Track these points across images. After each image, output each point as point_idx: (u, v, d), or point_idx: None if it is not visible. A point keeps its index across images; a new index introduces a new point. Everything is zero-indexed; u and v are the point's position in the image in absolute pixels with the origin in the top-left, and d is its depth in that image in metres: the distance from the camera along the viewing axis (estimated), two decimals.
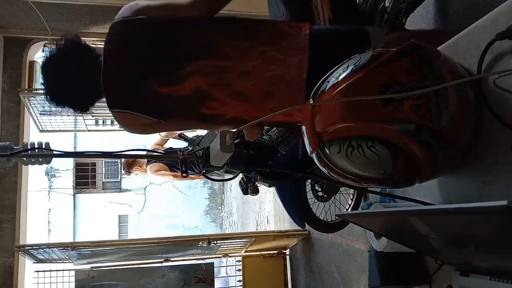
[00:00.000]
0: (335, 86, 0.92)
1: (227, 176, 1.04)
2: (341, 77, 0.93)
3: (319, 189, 2.84)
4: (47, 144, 1.01)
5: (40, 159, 0.99)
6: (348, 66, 0.93)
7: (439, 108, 0.80)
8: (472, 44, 0.94)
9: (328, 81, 0.98)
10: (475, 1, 2.08)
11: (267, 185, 2.34)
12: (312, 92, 1.02)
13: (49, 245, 4.38)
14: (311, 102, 0.99)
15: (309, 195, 2.86)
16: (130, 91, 1.33)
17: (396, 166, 0.87)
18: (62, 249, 4.39)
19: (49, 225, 13.13)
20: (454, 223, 0.78)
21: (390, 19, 1.87)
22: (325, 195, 2.87)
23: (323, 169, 1.06)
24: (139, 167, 4.36)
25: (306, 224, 3.10)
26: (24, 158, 1.02)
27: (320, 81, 1.02)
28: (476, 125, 0.89)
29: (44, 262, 4.76)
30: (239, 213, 10.11)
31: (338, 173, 1.01)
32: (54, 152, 1.02)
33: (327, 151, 0.96)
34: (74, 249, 4.38)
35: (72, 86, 1.42)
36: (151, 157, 1.00)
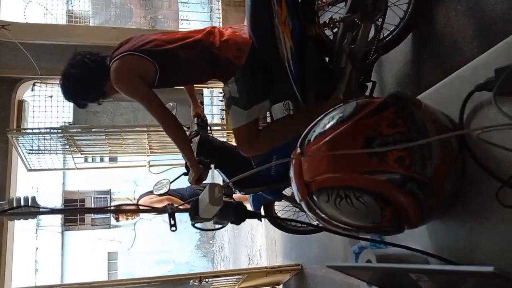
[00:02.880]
0: (321, 137, 0.93)
1: (217, 226, 1.04)
2: (327, 127, 0.95)
3: None
4: (33, 199, 1.00)
5: (26, 216, 0.98)
6: (333, 117, 0.95)
7: (424, 159, 0.82)
8: (453, 92, 0.96)
9: (314, 131, 1.00)
10: (453, 42, 2.12)
11: (243, 193, 2.39)
12: (299, 141, 1.04)
13: None
14: (298, 151, 1.00)
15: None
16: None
17: (384, 215, 0.88)
18: None
19: (36, 265, 12.77)
20: (446, 276, 0.78)
21: (355, 58, 1.90)
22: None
23: (313, 217, 1.06)
24: (128, 215, 4.34)
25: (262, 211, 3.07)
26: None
27: (306, 130, 1.04)
28: (461, 174, 0.91)
29: None
30: (230, 247, 9.95)
31: (327, 221, 1.01)
32: (41, 209, 1.01)
33: (316, 199, 0.97)
34: None
35: (84, 85, 1.92)
36: (139, 211, 1.00)
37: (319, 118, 1.04)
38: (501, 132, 0.80)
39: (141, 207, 0.96)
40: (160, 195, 2.83)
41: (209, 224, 1.05)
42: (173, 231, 1.01)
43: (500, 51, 0.85)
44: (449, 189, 0.89)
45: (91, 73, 1.92)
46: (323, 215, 1.00)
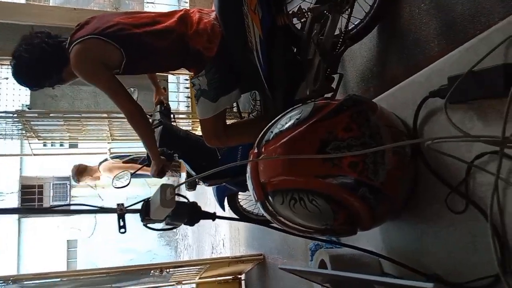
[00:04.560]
0: (278, 138, 0.92)
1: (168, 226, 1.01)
2: (284, 128, 0.93)
3: None
4: None
5: None
6: (290, 118, 0.94)
7: (376, 165, 0.82)
8: (408, 97, 0.97)
9: (272, 131, 0.99)
10: (416, 39, 2.16)
11: (207, 184, 2.38)
12: (257, 141, 1.02)
13: None
14: (255, 152, 0.99)
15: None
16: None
17: (337, 218, 0.88)
18: (2, 283, 4.11)
19: None
20: None
21: (323, 49, 1.89)
22: None
23: (269, 218, 1.06)
24: (90, 176, 4.24)
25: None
26: None
27: (264, 130, 1.02)
28: (413, 180, 0.92)
29: None
30: (194, 236, 9.92)
31: (283, 222, 1.01)
32: None
33: (271, 201, 0.96)
34: (15, 282, 4.11)
35: (40, 71, 1.80)
36: (88, 212, 0.95)
37: (277, 118, 1.03)
38: (452, 142, 0.82)
39: (88, 208, 0.91)
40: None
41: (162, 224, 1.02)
42: (122, 233, 0.97)
43: (454, 59, 0.86)
44: (401, 193, 0.90)
45: (48, 59, 1.79)
46: (279, 217, 0.99)
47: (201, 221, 1.07)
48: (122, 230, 0.97)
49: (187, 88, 5.80)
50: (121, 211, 0.96)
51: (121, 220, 0.97)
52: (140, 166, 4.03)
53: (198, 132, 4.37)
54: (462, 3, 1.74)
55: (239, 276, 5.33)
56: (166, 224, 1.01)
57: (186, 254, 11.09)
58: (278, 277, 4.44)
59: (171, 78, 6.37)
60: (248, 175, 1.01)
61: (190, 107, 5.38)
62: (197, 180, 2.40)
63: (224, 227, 7.03)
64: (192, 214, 1.03)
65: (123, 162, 4.22)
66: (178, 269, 4.65)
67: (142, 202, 1.00)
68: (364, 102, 0.90)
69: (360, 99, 0.90)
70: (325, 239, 1.15)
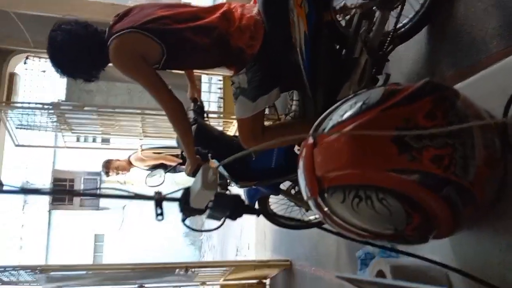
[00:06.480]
0: (340, 126, 0.80)
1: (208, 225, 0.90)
2: (347, 115, 0.81)
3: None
4: None
5: None
6: (355, 103, 0.81)
7: (466, 160, 0.68)
8: (496, 86, 0.83)
9: (331, 119, 0.86)
10: (471, 40, 2.01)
11: (239, 186, 2.29)
12: (312, 129, 0.90)
13: (15, 267, 4.11)
14: (311, 141, 0.86)
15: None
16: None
17: (409, 222, 0.74)
18: (30, 272, 4.14)
19: (21, 241, 12.61)
20: None
21: (371, 48, 1.79)
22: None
23: (321, 217, 0.93)
24: (120, 171, 4.27)
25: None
26: None
27: (321, 117, 0.90)
28: (501, 181, 0.78)
29: (10, 285, 4.48)
30: (219, 237, 9.85)
31: (337, 223, 0.88)
32: (4, 188, 0.88)
33: (327, 198, 0.83)
34: (42, 272, 4.13)
35: (78, 62, 1.75)
36: (123, 197, 0.90)
37: (336, 105, 0.90)
38: None
39: (125, 194, 0.84)
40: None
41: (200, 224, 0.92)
42: (160, 220, 0.88)
43: None
44: (488, 196, 0.76)
45: (87, 49, 1.74)
46: (334, 217, 0.86)
47: (227, 222, 0.95)
48: (160, 217, 0.88)
49: (220, 88, 5.74)
50: (158, 198, 0.86)
51: (158, 207, 0.87)
52: (172, 160, 3.98)
53: (230, 132, 4.30)
54: None
55: (264, 281, 5.23)
56: (208, 217, 0.90)
57: (210, 254, 11.04)
58: (305, 285, 4.29)
59: (204, 78, 6.33)
60: (300, 168, 0.89)
61: (222, 108, 5.32)
62: (228, 181, 2.32)
63: (250, 230, 6.93)
64: (235, 206, 0.92)
65: (154, 153, 4.21)
66: (203, 269, 4.59)
67: (181, 190, 0.90)
68: (446, 88, 0.77)
69: (440, 84, 0.77)
70: (381, 245, 1.01)
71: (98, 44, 1.73)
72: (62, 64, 1.78)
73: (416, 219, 0.73)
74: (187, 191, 0.91)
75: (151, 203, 0.88)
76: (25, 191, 0.97)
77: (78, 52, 1.73)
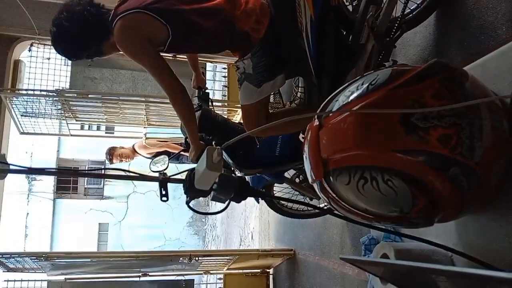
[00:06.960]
0: (347, 107, 0.79)
1: (216, 202, 0.90)
2: (354, 96, 0.80)
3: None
4: (2, 156, 0.85)
5: None
6: (362, 84, 0.80)
7: (473, 140, 0.67)
8: (505, 67, 0.82)
9: (337, 100, 0.85)
10: (480, 26, 1.98)
11: (243, 173, 2.28)
12: (318, 110, 0.89)
13: (20, 254, 4.15)
14: (316, 123, 0.86)
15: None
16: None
17: (415, 204, 0.74)
18: (35, 259, 4.17)
19: (26, 230, 12.69)
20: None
21: (378, 34, 1.77)
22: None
23: (325, 199, 0.93)
24: (123, 159, 4.30)
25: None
26: None
27: (327, 99, 0.89)
28: (508, 164, 0.77)
29: (15, 271, 4.51)
30: (223, 227, 9.88)
31: (342, 205, 0.88)
32: (11, 167, 0.87)
33: (332, 180, 0.83)
34: (47, 259, 4.16)
35: (78, 37, 1.69)
36: (128, 178, 0.89)
37: (342, 87, 0.89)
38: None
39: (131, 174, 0.84)
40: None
41: (204, 207, 0.91)
42: (164, 201, 0.87)
43: None
44: (495, 178, 0.75)
45: (89, 29, 1.70)
46: (338, 199, 0.86)
47: (231, 211, 0.95)
48: (164, 198, 0.88)
49: (224, 77, 5.72)
50: (163, 179, 0.85)
51: (162, 188, 0.87)
52: (176, 148, 3.99)
53: (235, 120, 4.30)
54: None
55: (268, 270, 5.24)
56: (212, 199, 0.90)
57: (214, 244, 11.09)
58: (308, 274, 4.30)
59: (208, 66, 6.30)
60: (305, 150, 0.89)
61: (226, 96, 5.30)
62: (233, 168, 2.32)
63: (253, 220, 6.95)
64: (240, 188, 0.91)
65: (158, 141, 4.22)
66: (207, 258, 4.60)
67: (186, 172, 0.90)
68: (454, 68, 0.75)
69: (448, 64, 0.76)
70: (385, 228, 1.00)
71: (102, 25, 1.69)
72: (67, 51, 1.77)
73: (421, 201, 0.72)
74: (191, 172, 0.90)
75: (156, 194, 0.88)
76: (32, 170, 0.97)
77: (83, 37, 1.70)
